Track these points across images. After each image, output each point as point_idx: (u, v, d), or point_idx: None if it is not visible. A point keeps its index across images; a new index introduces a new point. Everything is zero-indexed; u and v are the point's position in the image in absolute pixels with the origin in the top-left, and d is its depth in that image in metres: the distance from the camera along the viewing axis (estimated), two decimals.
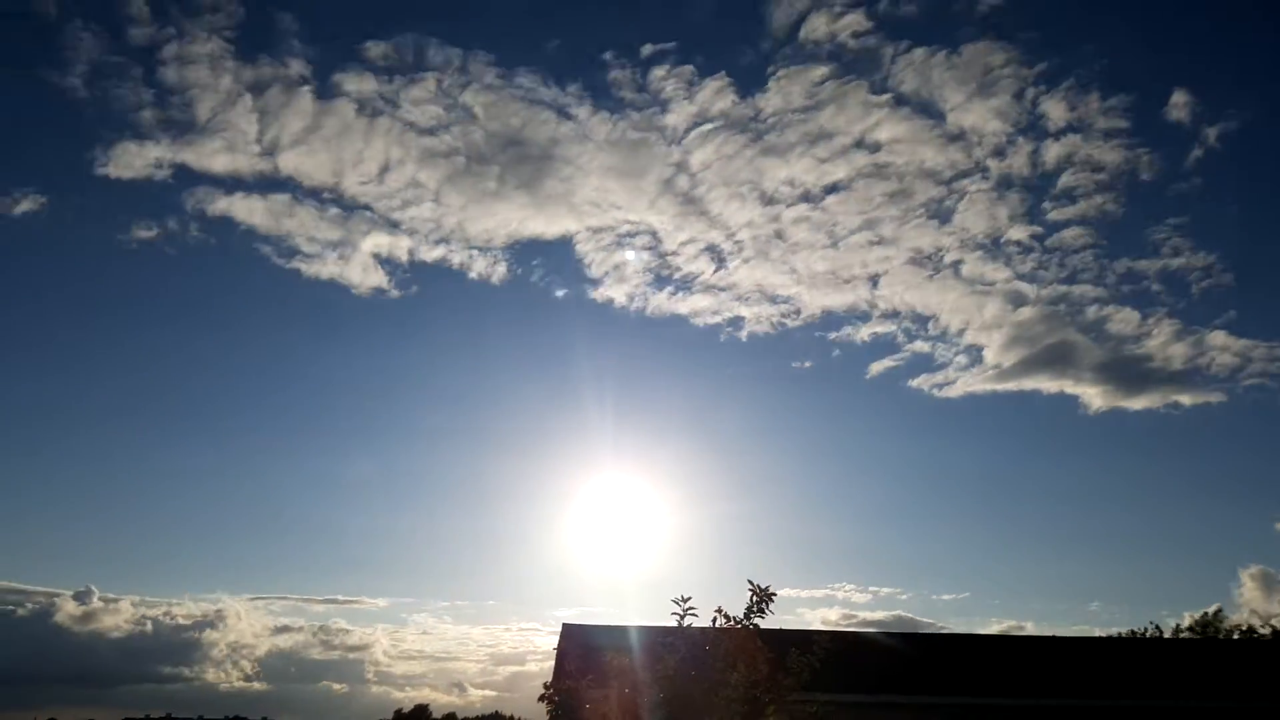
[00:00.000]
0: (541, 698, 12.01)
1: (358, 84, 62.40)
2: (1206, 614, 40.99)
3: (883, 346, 64.71)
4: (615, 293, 65.91)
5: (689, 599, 9.97)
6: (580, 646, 19.73)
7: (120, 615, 67.75)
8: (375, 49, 61.83)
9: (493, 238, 64.12)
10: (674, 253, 64.86)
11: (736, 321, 65.21)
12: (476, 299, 68.21)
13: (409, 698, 70.64)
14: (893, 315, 62.81)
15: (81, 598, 67.27)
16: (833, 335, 64.47)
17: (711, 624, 9.88)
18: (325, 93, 64.03)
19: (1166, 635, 41.22)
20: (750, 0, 61.48)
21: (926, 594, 64.46)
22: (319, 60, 63.51)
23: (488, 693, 63.35)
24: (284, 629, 73.69)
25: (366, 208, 64.56)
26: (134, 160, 61.60)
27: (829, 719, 10.30)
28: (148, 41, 62.34)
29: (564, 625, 23.34)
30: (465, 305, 69.95)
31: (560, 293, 66.65)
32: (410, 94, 62.88)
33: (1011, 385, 62.09)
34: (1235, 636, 39.56)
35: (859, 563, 70.63)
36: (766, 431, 73.99)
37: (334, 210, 64.56)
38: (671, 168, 63.06)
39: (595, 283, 65.40)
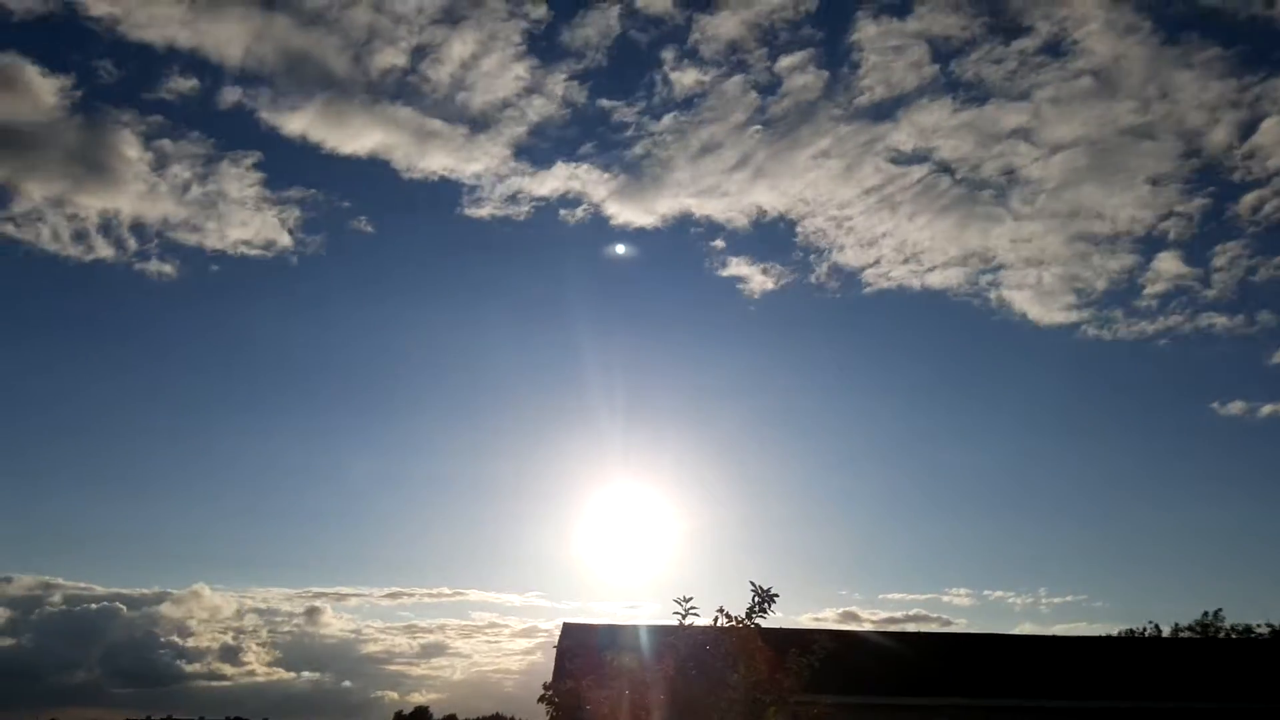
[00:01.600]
0: (541, 698, 12.00)
1: (955, 148, 58.15)
2: (1206, 613, 41.07)
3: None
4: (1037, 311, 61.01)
5: (690, 598, 9.97)
6: (581, 646, 19.71)
7: (175, 611, 67.33)
8: (1008, 116, 57.10)
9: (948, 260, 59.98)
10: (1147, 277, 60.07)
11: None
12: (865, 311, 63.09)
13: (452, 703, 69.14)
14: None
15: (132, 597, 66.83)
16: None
17: (713, 624, 9.86)
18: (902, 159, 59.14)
19: (1165, 635, 41.29)
20: None
21: (1041, 596, 62.70)
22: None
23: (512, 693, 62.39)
24: (358, 629, 71.76)
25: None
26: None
27: (829, 719, 10.28)
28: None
29: (564, 625, 23.32)
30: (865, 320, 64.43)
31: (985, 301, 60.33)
32: (1001, 164, 58.29)
33: None
34: (1234, 636, 39.59)
35: (1000, 567, 66.48)
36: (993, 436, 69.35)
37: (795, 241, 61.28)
38: None
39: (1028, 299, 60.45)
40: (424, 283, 69.43)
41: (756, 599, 9.73)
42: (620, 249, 61.90)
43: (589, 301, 67.40)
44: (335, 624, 68.41)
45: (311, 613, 69.15)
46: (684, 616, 9.92)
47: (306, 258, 62.52)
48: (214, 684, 60.83)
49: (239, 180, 59.33)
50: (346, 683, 63.30)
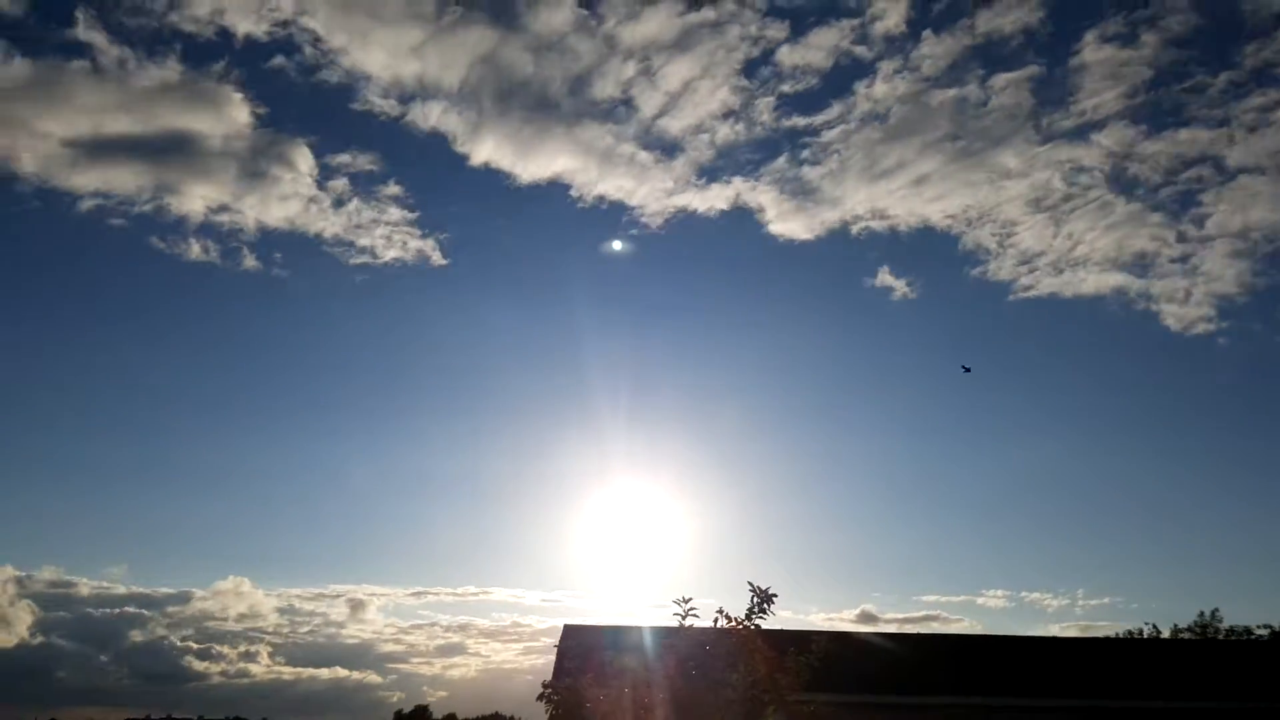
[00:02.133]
0: (540, 697, 12.02)
1: (1141, 170, 60.67)
2: (1203, 613, 41.06)
3: None
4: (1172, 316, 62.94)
5: (689, 599, 9.99)
6: (582, 647, 19.77)
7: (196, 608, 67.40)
8: (1200, 142, 59.64)
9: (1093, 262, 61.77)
10: None
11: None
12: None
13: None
14: None
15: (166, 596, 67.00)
16: None
17: (713, 624, 9.88)
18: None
19: (1165, 635, 41.27)
20: None
21: (1079, 598, 62.74)
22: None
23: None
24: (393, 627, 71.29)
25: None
26: None
27: (829, 719, 10.30)
28: None
29: (565, 625, 23.48)
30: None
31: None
32: (1183, 188, 60.60)
33: None
34: (1233, 637, 39.58)
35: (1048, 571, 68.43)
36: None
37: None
38: None
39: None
40: (504, 290, 70.81)
41: (755, 600, 9.75)
42: (617, 245, 61.47)
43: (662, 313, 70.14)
44: (357, 623, 68.64)
45: (334, 611, 69.54)
46: (683, 617, 9.94)
47: (405, 270, 63.94)
48: (235, 681, 61.16)
49: (396, 202, 61.22)
50: (368, 680, 63.40)
